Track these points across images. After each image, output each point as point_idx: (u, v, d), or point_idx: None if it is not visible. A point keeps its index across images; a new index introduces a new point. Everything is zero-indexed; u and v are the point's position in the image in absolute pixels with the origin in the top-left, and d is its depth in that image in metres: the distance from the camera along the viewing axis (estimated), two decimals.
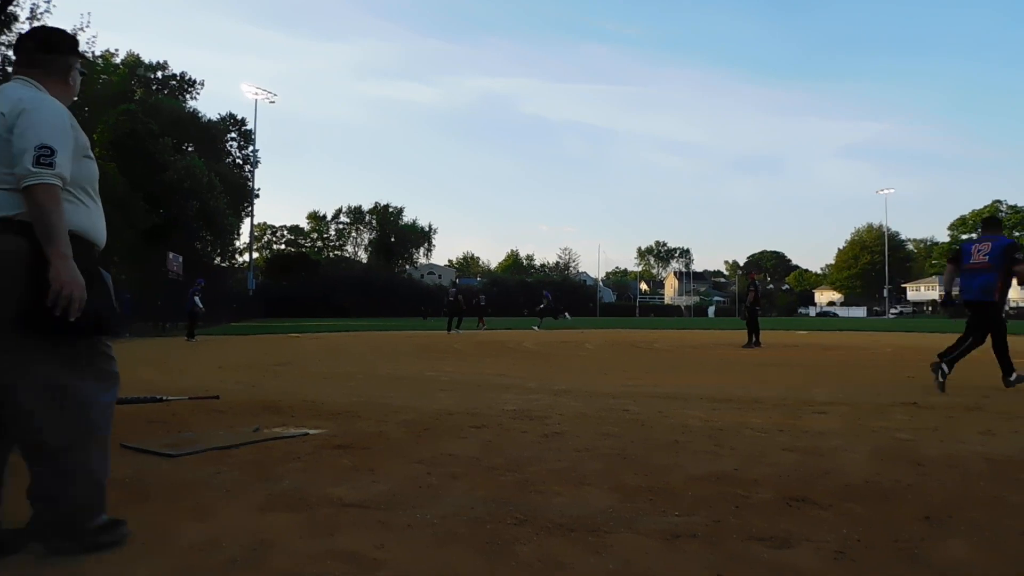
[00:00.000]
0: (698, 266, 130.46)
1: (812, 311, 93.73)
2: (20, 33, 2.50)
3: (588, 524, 2.69)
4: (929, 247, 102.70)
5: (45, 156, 2.28)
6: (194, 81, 51.00)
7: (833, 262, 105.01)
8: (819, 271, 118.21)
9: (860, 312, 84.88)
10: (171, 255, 30.35)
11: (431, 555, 2.38)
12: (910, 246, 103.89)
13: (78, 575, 2.19)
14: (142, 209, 32.17)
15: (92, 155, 2.57)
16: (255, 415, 5.39)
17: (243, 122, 54.94)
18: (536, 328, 27.13)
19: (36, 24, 21.22)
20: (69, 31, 2.70)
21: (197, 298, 20.08)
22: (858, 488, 3.22)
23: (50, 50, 2.58)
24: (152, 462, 3.78)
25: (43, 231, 2.26)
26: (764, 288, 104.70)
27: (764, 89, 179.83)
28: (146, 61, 49.35)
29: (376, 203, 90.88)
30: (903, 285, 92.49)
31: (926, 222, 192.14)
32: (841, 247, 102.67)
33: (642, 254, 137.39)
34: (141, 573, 2.20)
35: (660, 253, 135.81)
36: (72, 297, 2.26)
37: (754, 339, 15.77)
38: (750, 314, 16.04)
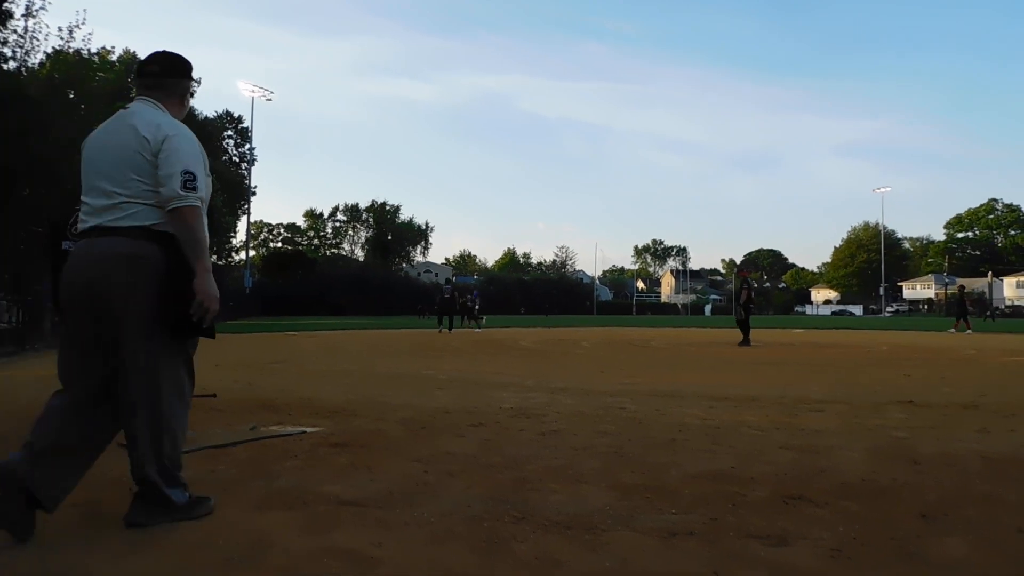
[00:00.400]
0: (695, 264, 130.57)
1: (811, 309, 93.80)
2: (148, 55, 2.63)
3: (585, 522, 2.70)
4: (925, 245, 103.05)
5: (190, 181, 2.62)
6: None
7: (830, 260, 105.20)
8: (816, 269, 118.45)
9: (857, 310, 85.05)
10: None
11: (429, 553, 2.38)
12: (906, 244, 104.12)
13: (81, 570, 2.19)
14: None
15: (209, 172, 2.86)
16: (252, 413, 5.39)
17: (239, 120, 54.79)
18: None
19: (32, 18, 21.11)
20: (182, 55, 2.95)
21: None
22: (854, 486, 3.23)
23: (172, 74, 2.88)
24: None
25: (191, 247, 2.62)
26: (761, 286, 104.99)
27: (762, 87, 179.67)
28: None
29: (373, 201, 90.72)
30: (899, 283, 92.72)
31: (923, 220, 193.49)
32: (838, 245, 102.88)
33: (639, 252, 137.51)
34: (139, 570, 2.20)
35: (657, 251, 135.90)
36: (211, 309, 2.65)
37: (746, 338, 15.78)
38: (745, 313, 16.06)
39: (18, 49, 23.41)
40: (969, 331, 22.40)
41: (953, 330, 22.84)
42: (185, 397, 2.79)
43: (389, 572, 2.21)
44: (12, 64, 24.17)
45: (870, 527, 2.65)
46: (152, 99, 2.79)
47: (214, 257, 49.37)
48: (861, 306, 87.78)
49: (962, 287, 27.48)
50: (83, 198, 2.70)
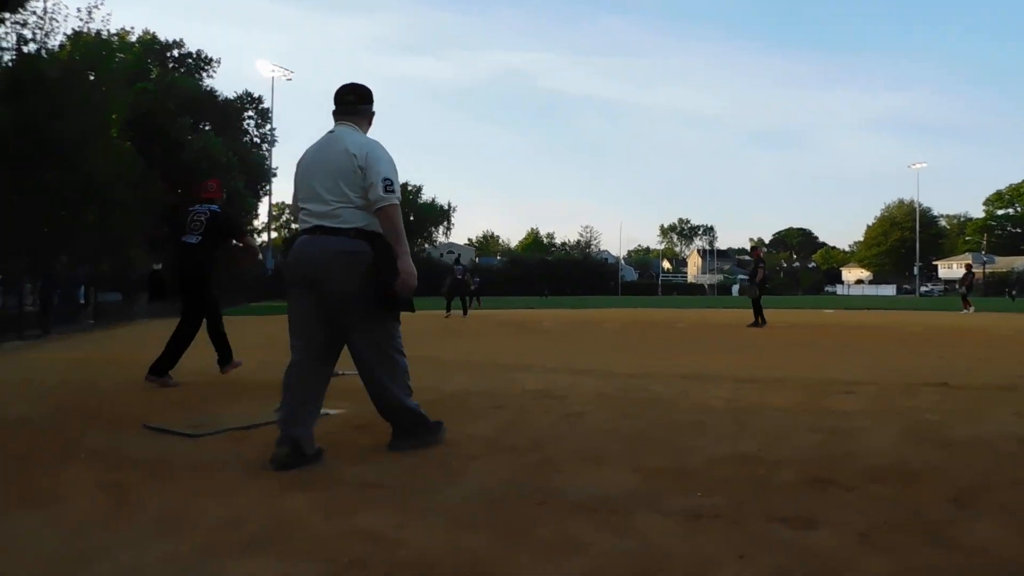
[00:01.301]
0: (722, 244, 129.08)
1: (842, 289, 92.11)
2: (344, 85, 3.06)
3: (609, 505, 2.68)
4: (963, 223, 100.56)
5: (389, 186, 3.33)
6: (210, 59, 50.83)
7: (862, 239, 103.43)
8: (847, 248, 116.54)
9: (889, 290, 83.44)
10: (191, 236, 30.45)
11: (451, 536, 2.37)
12: (943, 222, 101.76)
13: (107, 552, 2.22)
14: (160, 189, 32.35)
15: None
16: (275, 395, 5.40)
17: (260, 100, 54.86)
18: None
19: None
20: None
21: None
22: (884, 469, 3.17)
23: (363, 102, 3.62)
24: (174, 442, 3.83)
25: (395, 237, 3.36)
26: (790, 266, 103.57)
27: (791, 61, 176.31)
28: (162, 39, 49.30)
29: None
30: (935, 262, 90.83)
31: (960, 197, 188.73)
32: (870, 223, 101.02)
33: (665, 232, 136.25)
34: (164, 551, 2.22)
35: (683, 231, 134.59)
36: (412, 285, 3.36)
37: (760, 319, 15.51)
38: (759, 292, 15.81)
39: (38, 31, 23.62)
40: (970, 310, 22.46)
41: (968, 310, 22.71)
42: (402, 350, 3.57)
43: (412, 554, 2.20)
44: (32, 47, 24.42)
45: (900, 511, 2.59)
46: (351, 123, 3.53)
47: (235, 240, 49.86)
48: (894, 286, 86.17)
49: (969, 265, 27.18)
50: (303, 204, 3.44)
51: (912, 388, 5.71)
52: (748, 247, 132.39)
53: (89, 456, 3.50)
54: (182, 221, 6.37)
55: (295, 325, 3.48)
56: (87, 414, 4.69)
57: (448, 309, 21.59)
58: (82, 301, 16.87)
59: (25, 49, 24.23)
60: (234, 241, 6.64)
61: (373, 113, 3.67)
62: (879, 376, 6.53)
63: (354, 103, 3.56)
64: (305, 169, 3.48)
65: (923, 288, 77.85)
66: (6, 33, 23.28)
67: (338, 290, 3.30)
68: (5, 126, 20.89)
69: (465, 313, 22.18)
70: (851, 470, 3.15)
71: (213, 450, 3.62)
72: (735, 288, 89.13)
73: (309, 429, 3.37)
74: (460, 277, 22.53)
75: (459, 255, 25.30)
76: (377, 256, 3.33)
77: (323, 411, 4.67)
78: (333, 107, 3.57)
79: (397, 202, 3.36)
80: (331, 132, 3.51)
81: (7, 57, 24.44)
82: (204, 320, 6.33)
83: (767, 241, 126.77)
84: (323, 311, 3.38)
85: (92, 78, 28.08)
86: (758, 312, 15.57)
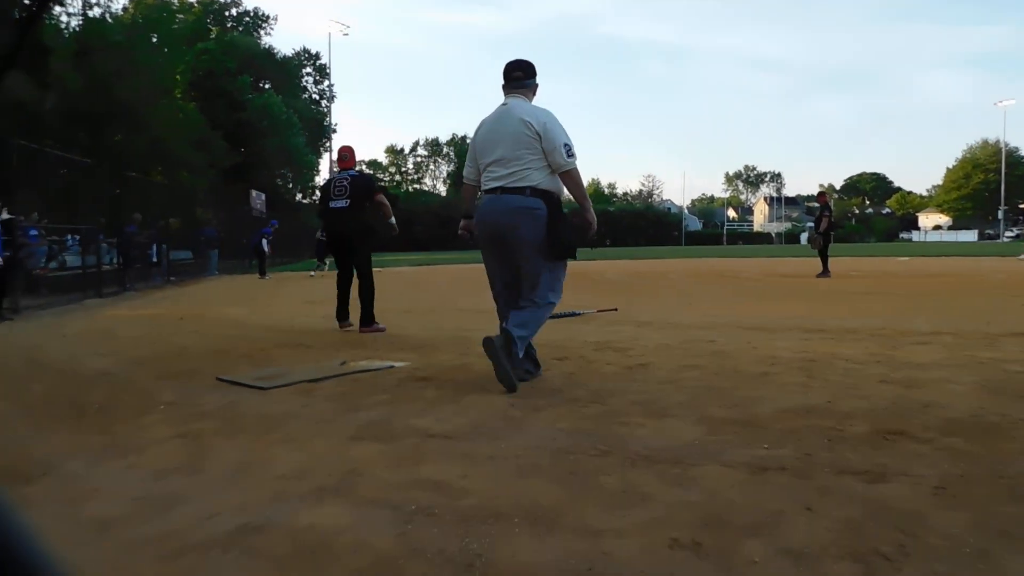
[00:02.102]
0: (790, 191, 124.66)
1: (918, 236, 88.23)
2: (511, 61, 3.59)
3: (672, 456, 2.66)
4: None
5: (570, 150, 3.89)
6: (267, 16, 51.21)
7: (940, 183, 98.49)
8: (924, 193, 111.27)
9: (971, 236, 79.39)
10: (253, 193, 31.04)
11: (515, 485, 2.40)
12: None
13: (184, 496, 2.32)
14: (223, 148, 33.04)
15: None
16: (340, 349, 5.57)
17: (317, 56, 55.06)
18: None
19: None
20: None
21: (264, 240, 20.14)
22: (961, 422, 3.05)
23: (530, 76, 4.14)
24: (245, 394, 3.96)
25: (578, 195, 4.08)
26: (863, 212, 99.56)
27: None
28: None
29: (453, 135, 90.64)
30: (1021, 205, 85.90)
31: None
32: (951, 166, 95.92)
33: (730, 179, 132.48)
34: (237, 499, 2.31)
35: (749, 178, 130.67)
36: (593, 229, 4.11)
37: (826, 269, 15.00)
38: (825, 241, 15.23)
39: None
40: None
41: None
42: (559, 293, 4.09)
43: (476, 503, 2.24)
44: (97, 11, 25.02)
45: (977, 465, 2.49)
46: (521, 95, 4.07)
47: (299, 195, 50.73)
48: (976, 231, 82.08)
49: None
50: (487, 168, 3.99)
51: (993, 338, 5.46)
52: (817, 193, 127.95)
53: (166, 408, 3.67)
54: (324, 190, 7.22)
55: (489, 271, 4.22)
56: (163, 368, 4.90)
57: None
58: (154, 259, 17.53)
59: (90, 14, 24.88)
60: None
61: (537, 85, 4.18)
62: (957, 326, 6.25)
63: (521, 79, 4.10)
64: (484, 138, 4.05)
65: (1008, 233, 73.98)
66: None
67: (520, 237, 3.89)
68: (76, 89, 21.63)
69: None
70: (926, 423, 3.05)
71: (282, 402, 3.74)
72: (803, 237, 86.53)
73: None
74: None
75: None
76: (551, 211, 3.89)
77: (389, 364, 4.78)
78: (503, 82, 4.13)
79: (577, 165, 3.94)
80: (504, 104, 4.06)
81: (74, 22, 25.16)
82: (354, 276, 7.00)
83: (837, 187, 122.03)
84: (507, 256, 4.02)
85: (154, 40, 28.69)
86: (824, 262, 15.10)
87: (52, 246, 13.59)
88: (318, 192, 11.55)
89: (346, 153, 7.25)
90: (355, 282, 6.92)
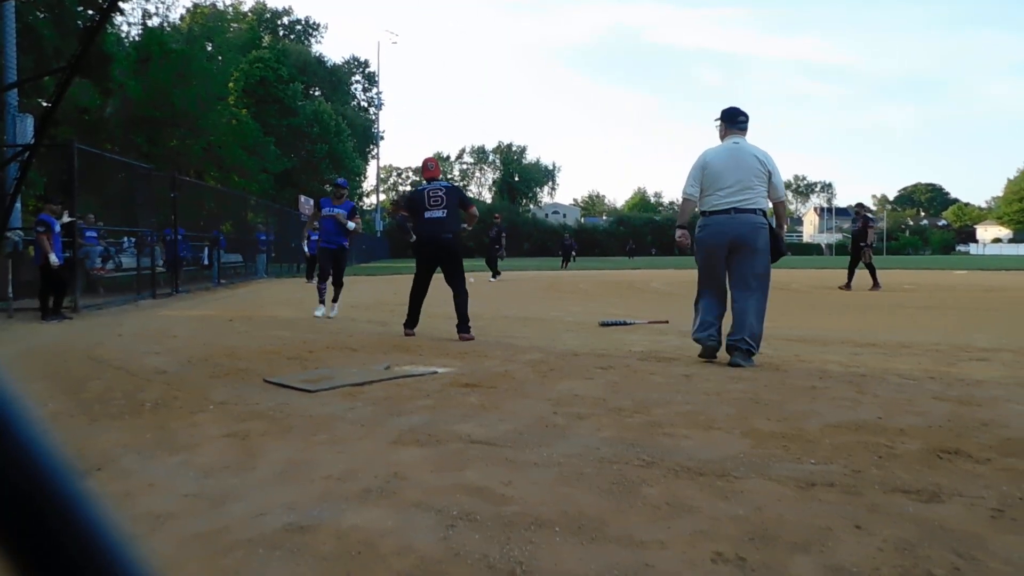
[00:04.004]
0: (841, 201, 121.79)
1: (976, 249, 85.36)
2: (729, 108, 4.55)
3: (717, 469, 2.62)
4: None
5: (784, 188, 5.33)
6: (317, 25, 52.46)
7: (1000, 194, 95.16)
8: (983, 204, 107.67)
9: None
10: (303, 198, 31.63)
11: (558, 493, 2.39)
12: None
13: (234, 493, 2.38)
14: (274, 154, 33.79)
15: None
16: (385, 353, 5.63)
17: (366, 64, 56.04)
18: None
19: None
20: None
21: (304, 243, 19.60)
22: (1021, 442, 2.94)
23: (747, 121, 5.20)
24: (292, 397, 4.03)
25: (785, 218, 5.48)
26: (918, 224, 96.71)
27: (926, 2, 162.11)
28: (271, 7, 51.07)
29: (499, 142, 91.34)
30: None
31: None
32: (1012, 177, 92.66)
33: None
34: (287, 497, 2.36)
35: (799, 188, 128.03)
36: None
37: (872, 281, 14.48)
38: (872, 253, 14.73)
39: (160, 5, 25.02)
40: None
41: None
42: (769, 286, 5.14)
43: (519, 510, 2.24)
44: (156, 20, 25.85)
45: None
46: (742, 135, 5.15)
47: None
48: None
49: None
50: (719, 191, 4.98)
51: None
52: (872, 204, 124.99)
53: (217, 407, 3.76)
54: (415, 200, 7.15)
55: (710, 270, 5.11)
56: (214, 368, 5.02)
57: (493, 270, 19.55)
58: (206, 262, 17.97)
59: (149, 23, 25.73)
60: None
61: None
62: (1018, 343, 6.04)
63: (744, 123, 5.18)
64: (721, 166, 5.01)
65: None
66: (132, 8, 24.77)
67: (757, 246, 4.95)
68: (136, 95, 22.36)
69: (495, 275, 19.42)
70: (983, 442, 2.95)
71: (329, 405, 3.79)
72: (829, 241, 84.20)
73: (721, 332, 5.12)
74: (492, 235, 20.24)
75: (499, 216, 22.09)
76: (770, 228, 5.08)
77: (433, 369, 4.82)
78: (722, 120, 5.21)
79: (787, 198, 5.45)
80: (736, 143, 5.09)
81: (135, 31, 26.04)
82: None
83: (891, 198, 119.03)
84: (732, 259, 5.01)
85: (209, 48, 29.53)
86: (851, 275, 14.63)
87: (109, 248, 14.05)
88: (401, 203, 11.74)
89: (432, 164, 7.38)
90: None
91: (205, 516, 2.22)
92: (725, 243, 4.97)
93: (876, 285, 14.36)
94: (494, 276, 19.45)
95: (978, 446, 2.88)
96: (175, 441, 3.09)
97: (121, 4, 22.21)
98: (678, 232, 5.37)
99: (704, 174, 5.03)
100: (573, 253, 33.78)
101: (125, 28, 26.12)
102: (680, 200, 5.36)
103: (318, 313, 8.80)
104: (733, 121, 5.14)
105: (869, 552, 1.92)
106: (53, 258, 8.77)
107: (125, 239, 14.97)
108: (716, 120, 5.31)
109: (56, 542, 0.30)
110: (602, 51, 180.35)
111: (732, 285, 5.06)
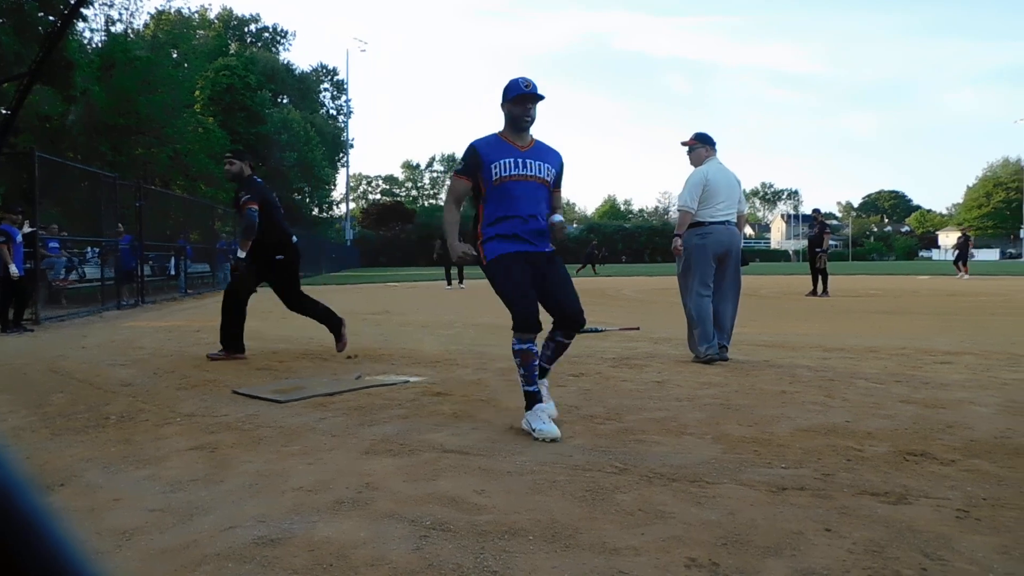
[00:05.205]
0: (807, 208, 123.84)
1: (938, 254, 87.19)
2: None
3: (690, 474, 2.64)
4: None
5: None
6: (285, 32, 52.16)
7: (961, 201, 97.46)
8: (945, 211, 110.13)
9: (992, 255, 78.52)
10: None
11: (531, 501, 2.39)
12: None
13: (204, 507, 2.33)
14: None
15: None
16: (356, 363, 5.58)
17: (335, 72, 55.80)
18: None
19: None
20: None
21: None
22: (986, 444, 3.00)
23: (714, 144, 5.70)
24: (262, 408, 3.98)
25: (743, 229, 5.78)
26: (881, 230, 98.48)
27: (892, 12, 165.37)
28: (238, 15, 50.67)
29: None
30: None
31: None
32: (971, 184, 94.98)
33: (747, 196, 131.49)
34: (255, 511, 2.32)
35: (766, 195, 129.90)
36: None
37: (822, 287, 14.56)
38: (826, 258, 14.85)
39: (124, 11, 24.64)
40: (965, 276, 21.73)
41: (964, 276, 21.82)
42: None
43: (493, 518, 2.23)
44: (120, 27, 25.48)
45: (1003, 488, 2.45)
46: (717, 158, 5.63)
47: (316, 210, 51.06)
48: (997, 250, 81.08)
49: (965, 231, 25.69)
50: (717, 204, 5.44)
51: (1016, 359, 5.38)
52: (837, 211, 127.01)
53: (184, 420, 3.69)
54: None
55: (708, 276, 5.44)
56: (181, 379, 4.94)
57: (448, 278, 19.42)
58: (172, 272, 17.68)
59: (113, 30, 25.34)
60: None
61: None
62: (980, 346, 6.18)
63: (713, 144, 5.68)
64: (717, 183, 5.45)
65: None
66: (95, 15, 24.39)
67: (738, 257, 5.54)
68: (100, 103, 21.99)
69: (450, 283, 19.38)
70: (949, 444, 3.01)
71: (299, 416, 3.75)
72: (792, 249, 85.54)
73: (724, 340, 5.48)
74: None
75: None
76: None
77: (404, 378, 4.79)
78: (706, 144, 5.66)
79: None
80: (719, 162, 5.61)
81: (98, 38, 25.63)
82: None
83: (856, 205, 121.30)
84: (719, 267, 5.47)
85: (175, 55, 29.14)
86: (815, 280, 14.77)
87: (72, 258, 13.75)
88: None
89: None
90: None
91: (173, 531, 2.17)
92: (722, 252, 5.44)
93: (825, 292, 14.48)
94: (453, 283, 19.28)
95: (943, 448, 2.94)
96: (141, 454, 3.02)
97: (84, 10, 21.83)
98: (677, 240, 5.59)
99: (704, 190, 5.43)
100: (598, 256, 34.02)
101: (88, 34, 25.69)
102: (676, 211, 5.78)
103: None
104: (712, 144, 5.67)
105: (839, 554, 1.94)
106: (13, 269, 8.55)
107: (89, 249, 14.67)
108: (690, 143, 5.73)
109: (18, 561, 0.29)
110: (572, 58, 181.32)
111: (716, 290, 5.48)
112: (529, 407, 3.32)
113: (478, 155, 3.53)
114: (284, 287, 5.98)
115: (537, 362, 3.43)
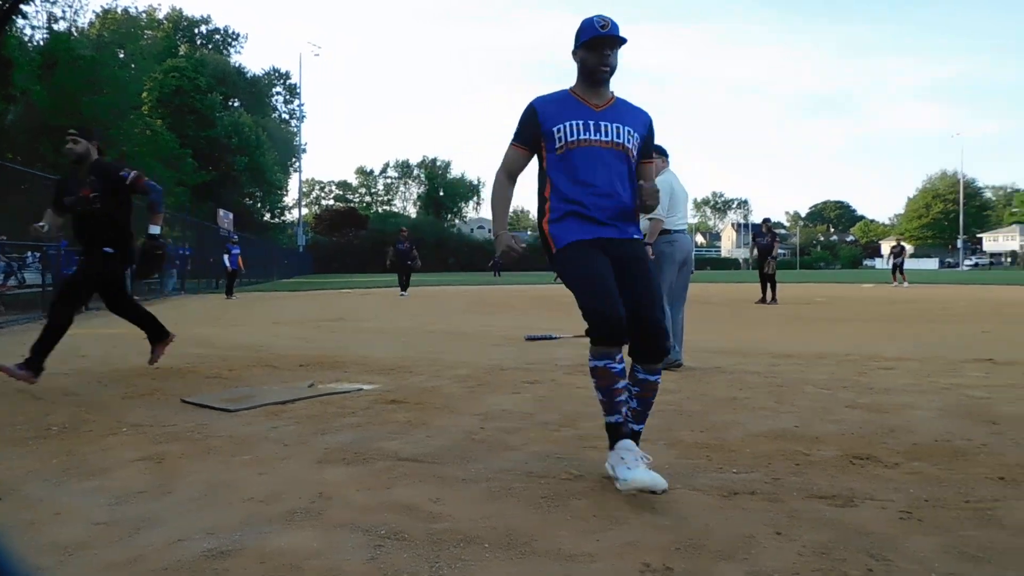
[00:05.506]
0: (757, 217, 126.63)
1: (881, 263, 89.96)
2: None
3: None
4: (1009, 195, 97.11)
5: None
6: (237, 35, 51.37)
7: (903, 212, 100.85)
8: (887, 221, 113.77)
9: (932, 264, 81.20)
10: (221, 212, 30.73)
11: (487, 509, 2.38)
12: (988, 194, 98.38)
13: (153, 519, 2.27)
14: (191, 166, 32.70)
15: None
16: (309, 370, 5.50)
17: (288, 76, 55.10)
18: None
19: None
20: None
21: (226, 257, 19.88)
22: (927, 447, 3.10)
23: (667, 155, 5.70)
24: (212, 417, 3.89)
25: (656, 229, 5.47)
26: (827, 239, 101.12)
27: (837, 24, 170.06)
28: (189, 16, 49.70)
29: (424, 157, 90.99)
30: (980, 235, 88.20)
31: (1007, 168, 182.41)
32: (912, 195, 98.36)
33: (698, 206, 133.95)
34: (205, 523, 2.26)
35: (717, 204, 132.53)
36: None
37: (771, 295, 14.88)
38: (775, 264, 15.23)
39: (67, 9, 23.88)
40: (905, 284, 22.86)
41: (904, 284, 22.95)
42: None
43: (449, 526, 2.22)
44: (62, 25, 24.72)
45: (943, 489, 2.53)
46: (670, 168, 5.66)
47: (267, 215, 50.21)
48: (936, 260, 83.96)
49: (900, 240, 26.88)
50: (679, 213, 5.57)
51: (956, 364, 5.58)
52: (785, 221, 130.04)
53: (131, 430, 3.58)
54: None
55: (671, 283, 5.48)
56: (127, 388, 4.80)
57: (401, 285, 19.59)
58: None
59: (56, 28, 24.56)
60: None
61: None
62: (921, 352, 6.40)
63: (667, 155, 5.66)
64: (678, 193, 5.56)
65: (967, 262, 75.87)
66: (36, 12, 23.63)
67: (692, 262, 5.71)
68: (42, 103, 21.29)
69: (404, 290, 19.56)
70: (893, 447, 3.10)
71: (250, 425, 3.67)
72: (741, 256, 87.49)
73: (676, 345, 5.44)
74: (402, 248, 19.45)
75: (405, 229, 21.35)
76: None
77: (358, 386, 4.73)
78: (663, 155, 5.56)
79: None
80: (672, 172, 5.64)
81: (39, 36, 24.83)
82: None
83: (803, 214, 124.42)
84: (680, 271, 5.57)
85: (122, 55, 28.36)
86: (764, 288, 15.09)
87: (11, 263, 13.27)
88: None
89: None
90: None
91: (119, 544, 2.10)
92: (682, 259, 5.56)
93: (774, 299, 14.81)
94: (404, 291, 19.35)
95: (887, 451, 3.03)
96: (86, 466, 2.92)
97: (23, 7, 21.12)
98: (649, 249, 5.58)
99: (675, 199, 5.55)
100: None
101: (28, 32, 24.87)
102: (648, 220, 5.27)
103: None
104: (666, 155, 5.73)
105: (790, 557, 1.98)
106: None
107: (29, 254, 14.17)
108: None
109: None
110: (528, 65, 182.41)
111: (670, 295, 5.52)
112: (611, 445, 2.60)
113: (536, 117, 2.78)
114: (109, 284, 5.61)
115: (621, 386, 2.62)
